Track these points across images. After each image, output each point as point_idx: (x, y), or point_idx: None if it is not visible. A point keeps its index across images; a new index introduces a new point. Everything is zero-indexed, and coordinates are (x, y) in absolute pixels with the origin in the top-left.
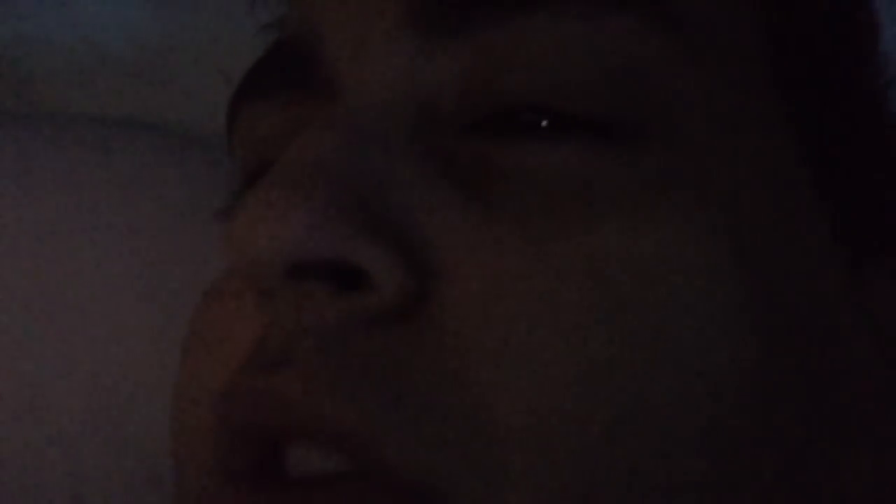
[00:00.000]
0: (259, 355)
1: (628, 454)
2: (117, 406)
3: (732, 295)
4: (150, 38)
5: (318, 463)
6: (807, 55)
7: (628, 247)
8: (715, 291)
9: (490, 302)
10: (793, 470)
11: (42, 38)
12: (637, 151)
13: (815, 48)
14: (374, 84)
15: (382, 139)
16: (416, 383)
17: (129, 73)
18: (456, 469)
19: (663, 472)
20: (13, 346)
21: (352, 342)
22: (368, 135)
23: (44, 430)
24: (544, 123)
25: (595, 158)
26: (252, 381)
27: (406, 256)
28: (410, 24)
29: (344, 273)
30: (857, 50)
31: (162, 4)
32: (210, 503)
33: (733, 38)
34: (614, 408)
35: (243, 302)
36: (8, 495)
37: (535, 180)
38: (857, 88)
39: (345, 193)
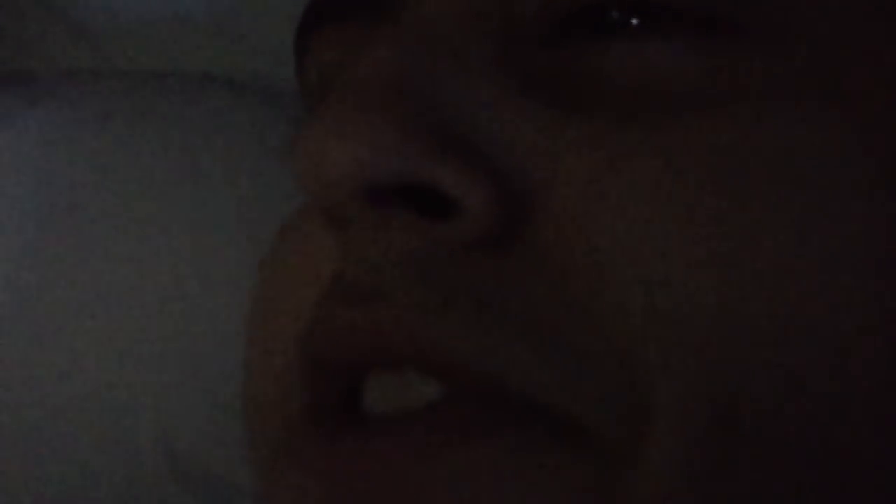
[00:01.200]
0: (340, 288)
1: (782, 369)
2: (207, 351)
3: (866, 190)
4: None
5: (397, 400)
6: None
7: (745, 138)
8: (847, 185)
9: (595, 208)
10: None
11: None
12: (746, 47)
13: None
14: None
15: (460, 49)
16: (532, 308)
17: (204, 30)
18: (593, 402)
19: (821, 386)
20: (108, 288)
21: (446, 271)
22: (445, 44)
23: (133, 375)
24: (635, 22)
25: (697, 55)
26: (340, 313)
27: (494, 175)
28: None
29: (427, 197)
30: None
31: None
32: (297, 446)
33: None
34: (760, 317)
35: (318, 235)
36: (99, 440)
37: (635, 79)
38: None
39: (424, 106)
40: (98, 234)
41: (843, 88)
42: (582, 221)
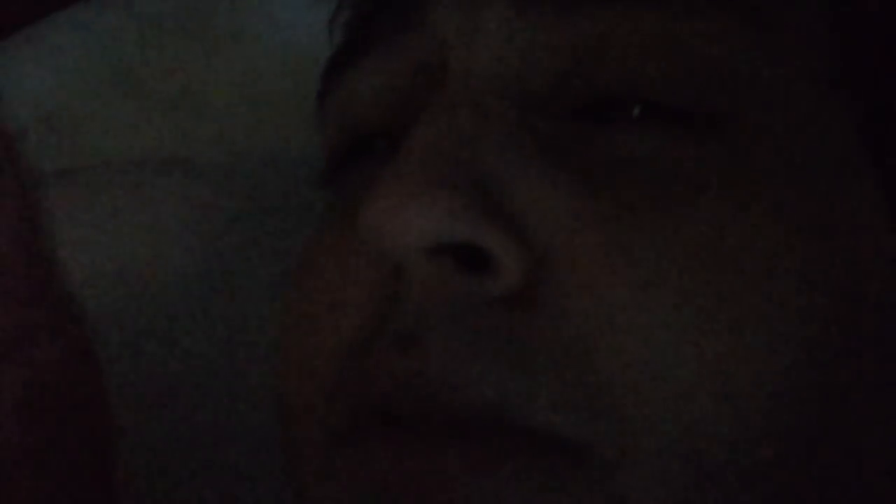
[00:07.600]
0: (384, 332)
1: (724, 408)
2: None
3: (804, 274)
4: None
5: None
6: (870, 48)
7: (710, 228)
8: (793, 270)
9: (598, 279)
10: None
11: None
12: (716, 139)
13: (878, 41)
14: (487, 67)
15: (500, 124)
16: (544, 355)
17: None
18: (592, 423)
19: (760, 423)
20: None
21: (481, 320)
22: (488, 120)
23: None
24: (636, 112)
25: (678, 145)
26: (382, 360)
27: (526, 242)
28: (519, 9)
29: (470, 257)
30: None
31: None
32: (337, 459)
33: (805, 33)
34: (709, 365)
35: (362, 265)
36: None
37: (628, 164)
38: None
39: (476, 179)
40: None
41: (790, 177)
42: (592, 291)
